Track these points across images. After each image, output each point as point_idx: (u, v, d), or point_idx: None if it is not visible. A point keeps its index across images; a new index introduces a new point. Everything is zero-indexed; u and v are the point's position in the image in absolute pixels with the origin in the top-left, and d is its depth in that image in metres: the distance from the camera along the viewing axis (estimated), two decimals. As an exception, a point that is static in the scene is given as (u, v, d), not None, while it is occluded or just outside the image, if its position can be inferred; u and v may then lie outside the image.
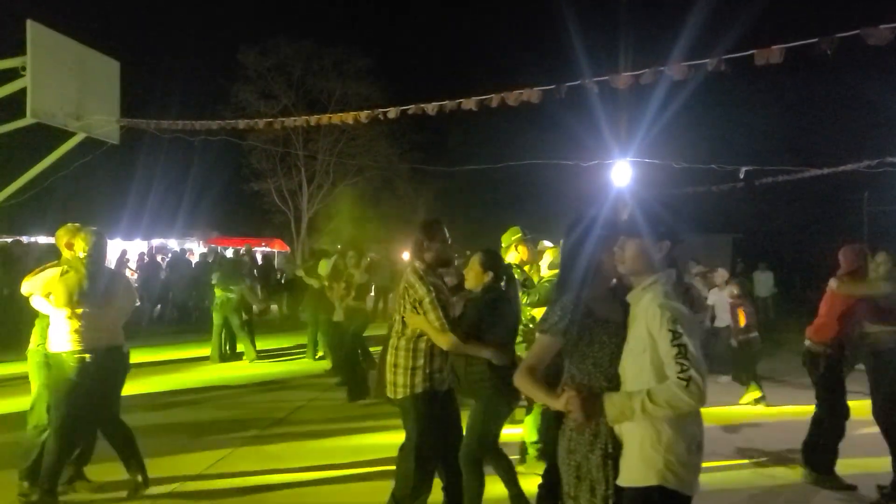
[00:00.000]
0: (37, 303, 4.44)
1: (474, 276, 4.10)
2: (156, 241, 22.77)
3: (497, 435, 4.07)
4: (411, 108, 7.23)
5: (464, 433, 4.02)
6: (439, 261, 4.01)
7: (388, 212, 28.51)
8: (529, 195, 28.45)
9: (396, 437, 6.17)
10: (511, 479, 4.12)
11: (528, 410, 5.23)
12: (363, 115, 7.72)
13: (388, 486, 4.16)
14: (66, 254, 4.57)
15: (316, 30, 39.72)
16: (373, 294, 14.60)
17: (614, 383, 2.45)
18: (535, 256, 5.87)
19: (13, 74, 8.90)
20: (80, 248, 4.40)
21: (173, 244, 23.35)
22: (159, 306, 17.02)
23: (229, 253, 18.35)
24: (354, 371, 7.81)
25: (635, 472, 2.33)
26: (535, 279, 5.58)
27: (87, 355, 4.25)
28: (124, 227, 19.81)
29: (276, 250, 25.76)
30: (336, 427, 6.60)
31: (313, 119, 8.87)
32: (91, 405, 4.34)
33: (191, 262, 18.83)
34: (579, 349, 2.52)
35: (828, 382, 5.19)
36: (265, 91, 26.81)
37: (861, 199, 28.44)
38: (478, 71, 32.88)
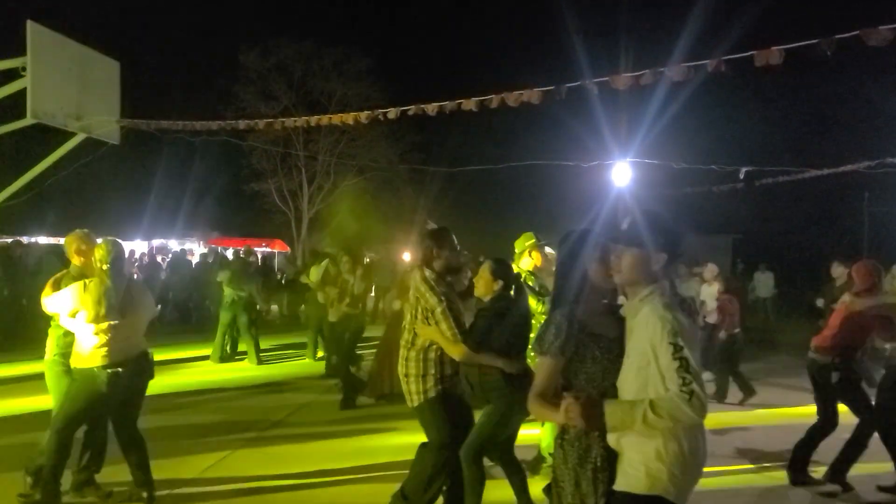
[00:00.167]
0: (65, 322, 4.30)
1: (484, 285, 4.09)
2: (156, 242, 22.78)
3: (506, 438, 4.07)
4: (412, 109, 7.23)
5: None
6: (449, 269, 4.03)
7: (389, 212, 28.48)
8: (530, 196, 28.51)
9: (397, 439, 6.21)
10: (522, 488, 4.12)
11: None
12: (363, 116, 7.72)
13: (389, 487, 4.17)
14: (75, 261, 4.51)
15: (316, 30, 39.79)
16: (373, 294, 14.59)
17: (607, 398, 2.42)
18: (550, 263, 5.83)
19: (13, 75, 8.90)
20: (102, 258, 4.26)
21: (173, 244, 23.35)
22: (159, 307, 16.99)
23: (229, 253, 18.34)
24: (348, 378, 7.75)
25: (634, 480, 2.31)
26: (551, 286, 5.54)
27: (120, 369, 4.18)
28: (124, 227, 19.84)
29: (276, 251, 25.77)
30: (336, 429, 6.59)
31: (314, 119, 8.86)
32: (107, 412, 4.31)
33: (191, 263, 18.83)
34: (572, 365, 2.51)
35: (847, 392, 5.13)
36: (266, 91, 26.78)
37: (861, 200, 28.48)
38: (478, 71, 32.95)
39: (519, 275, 4.91)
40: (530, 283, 5.21)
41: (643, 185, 13.16)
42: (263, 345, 10.88)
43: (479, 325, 4.03)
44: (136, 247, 20.20)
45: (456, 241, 4.08)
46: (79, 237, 4.53)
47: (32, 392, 7.55)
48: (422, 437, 4.10)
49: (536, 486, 4.28)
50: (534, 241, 5.66)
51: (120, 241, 4.51)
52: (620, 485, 2.37)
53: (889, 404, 5.01)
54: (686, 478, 2.30)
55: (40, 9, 9.56)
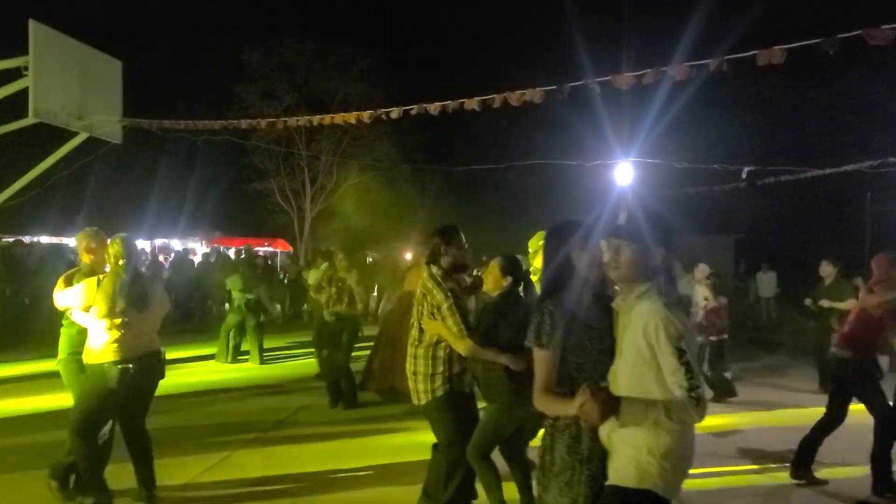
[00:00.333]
0: (77, 317, 4.32)
1: (493, 281, 4.09)
2: (158, 241, 22.80)
3: (513, 434, 4.07)
4: (414, 109, 7.22)
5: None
6: (456, 266, 4.05)
7: (391, 212, 28.50)
8: (532, 195, 28.50)
9: (398, 439, 6.21)
10: (526, 487, 4.11)
11: None
12: (366, 115, 7.70)
13: (389, 487, 4.17)
14: (85, 258, 4.53)
15: (319, 30, 39.82)
16: (375, 294, 14.59)
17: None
18: None
19: (15, 74, 8.92)
20: (116, 254, 4.27)
21: (176, 244, 23.37)
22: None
23: (231, 253, 18.36)
24: (345, 379, 7.69)
25: (624, 474, 2.33)
26: None
27: (130, 365, 4.18)
28: (126, 226, 19.83)
29: (278, 250, 25.79)
30: (337, 429, 6.58)
31: (316, 119, 8.85)
32: (119, 410, 4.31)
33: (193, 262, 18.84)
34: (563, 355, 2.51)
35: (867, 389, 5.09)
36: (268, 91, 26.83)
37: (864, 200, 28.42)
38: (480, 71, 32.95)
39: (528, 272, 4.91)
40: None
41: (646, 185, 13.14)
42: (265, 345, 10.88)
43: (485, 320, 4.03)
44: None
45: (464, 239, 4.09)
46: (88, 235, 4.56)
47: (34, 392, 7.58)
48: (422, 437, 4.10)
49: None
50: None
51: (131, 236, 4.50)
52: (611, 479, 2.38)
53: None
54: (675, 472, 2.32)
55: (42, 8, 9.57)
